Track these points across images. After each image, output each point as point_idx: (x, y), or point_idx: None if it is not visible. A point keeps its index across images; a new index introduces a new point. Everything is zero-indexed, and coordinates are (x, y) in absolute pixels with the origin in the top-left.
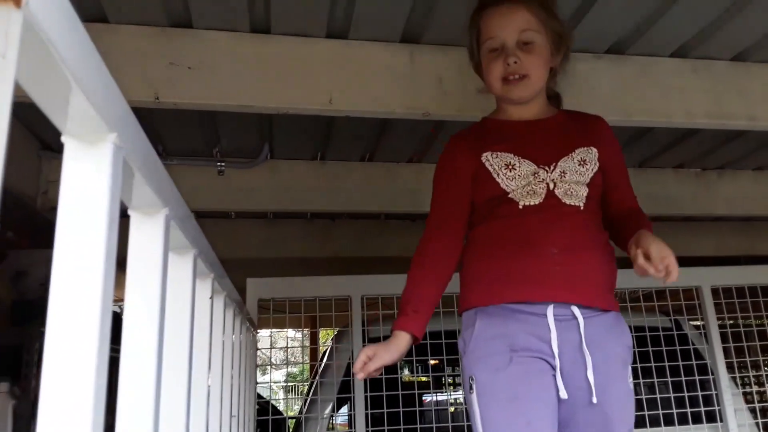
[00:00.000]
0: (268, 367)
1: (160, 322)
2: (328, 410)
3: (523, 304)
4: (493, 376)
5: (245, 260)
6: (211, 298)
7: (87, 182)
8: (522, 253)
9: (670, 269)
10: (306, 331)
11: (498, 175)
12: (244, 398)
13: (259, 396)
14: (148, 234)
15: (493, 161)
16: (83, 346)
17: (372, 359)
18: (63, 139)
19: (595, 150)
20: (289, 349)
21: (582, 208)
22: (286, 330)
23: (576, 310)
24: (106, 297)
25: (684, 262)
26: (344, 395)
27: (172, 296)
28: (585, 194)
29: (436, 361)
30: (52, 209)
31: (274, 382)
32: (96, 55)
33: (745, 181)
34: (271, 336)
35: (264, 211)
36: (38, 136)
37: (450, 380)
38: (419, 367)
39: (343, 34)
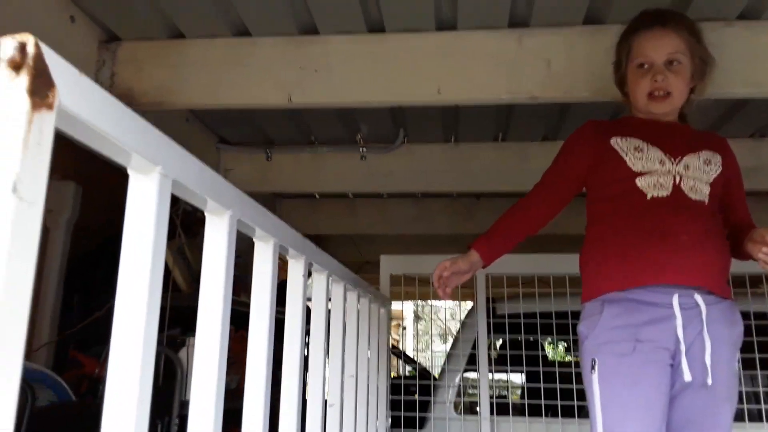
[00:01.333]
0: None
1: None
2: (457, 379)
3: (651, 290)
4: (617, 361)
5: (398, 236)
6: (304, 275)
7: (145, 199)
8: (652, 241)
9: None
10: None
11: (626, 154)
12: (370, 363)
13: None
14: (219, 230)
15: (622, 144)
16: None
17: (447, 269)
18: (129, 171)
19: (719, 156)
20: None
21: (706, 203)
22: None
23: (699, 298)
24: (155, 276)
25: None
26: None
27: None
28: (708, 192)
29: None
30: None
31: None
32: (129, 112)
33: None
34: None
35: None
36: (215, 131)
37: None
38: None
39: (451, 25)
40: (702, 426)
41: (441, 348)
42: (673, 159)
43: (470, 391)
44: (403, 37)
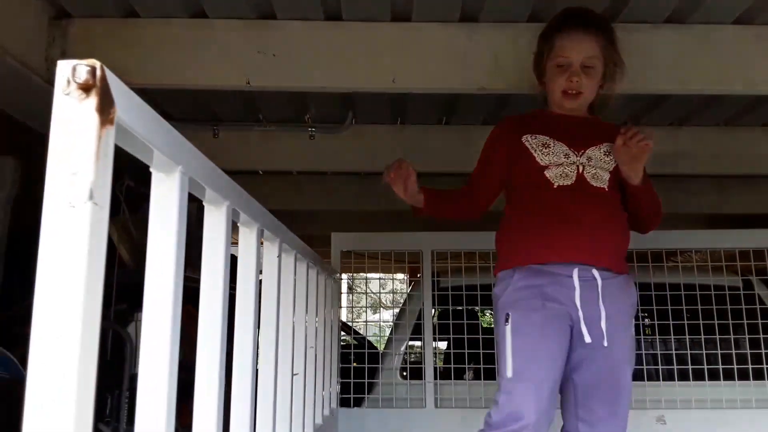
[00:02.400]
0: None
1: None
2: (402, 348)
3: (556, 265)
4: (528, 315)
5: (340, 212)
6: (279, 256)
7: (167, 194)
8: (557, 225)
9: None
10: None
11: (535, 151)
12: (319, 329)
13: (357, 333)
14: (216, 219)
15: (532, 141)
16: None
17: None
18: (151, 170)
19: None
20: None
21: (606, 189)
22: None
23: (596, 273)
24: (179, 257)
25: None
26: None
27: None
28: (608, 178)
29: None
30: None
31: (384, 321)
32: (165, 124)
33: None
34: (380, 281)
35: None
36: (161, 107)
37: None
38: None
39: (406, 16)
40: (605, 385)
41: (373, 318)
42: (576, 152)
43: (413, 358)
44: (359, 25)
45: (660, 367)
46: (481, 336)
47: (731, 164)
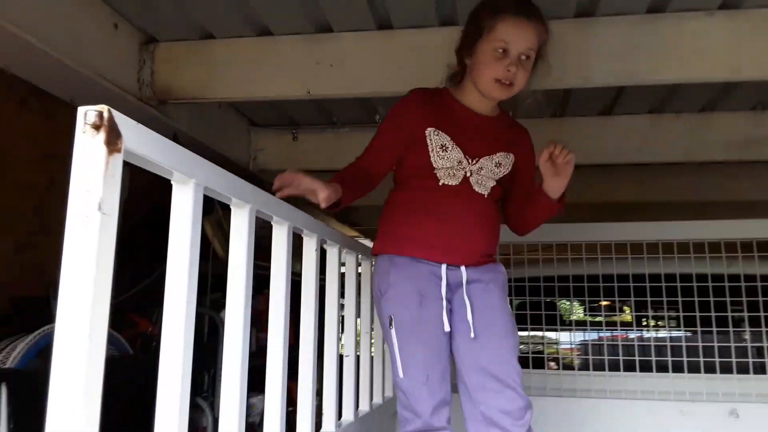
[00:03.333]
0: None
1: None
2: None
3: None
4: (409, 315)
5: None
6: (317, 250)
7: (185, 203)
8: (435, 222)
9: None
10: None
11: (432, 150)
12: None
13: None
14: (240, 219)
15: (434, 138)
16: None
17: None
18: (172, 181)
19: (512, 156)
20: None
21: (486, 196)
22: None
23: (462, 269)
24: (193, 257)
25: None
26: None
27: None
28: (491, 186)
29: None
30: (261, 171)
31: None
32: (175, 147)
33: None
34: None
35: None
36: (246, 115)
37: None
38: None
39: (453, 21)
40: (490, 364)
41: None
42: (470, 159)
43: None
44: (407, 32)
45: (734, 360)
46: None
47: None
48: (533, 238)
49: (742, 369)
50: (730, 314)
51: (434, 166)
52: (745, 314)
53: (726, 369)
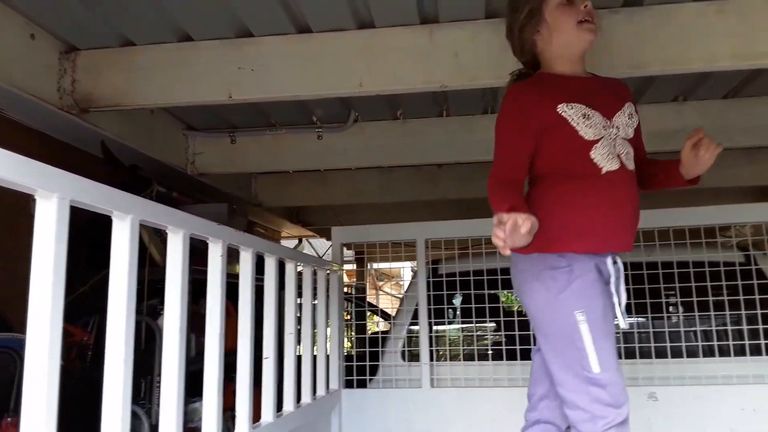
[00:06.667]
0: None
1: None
2: (403, 332)
3: (599, 256)
4: (599, 312)
5: (368, 205)
6: (223, 255)
7: (48, 219)
8: (612, 212)
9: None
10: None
11: (577, 124)
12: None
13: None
14: (121, 232)
15: (570, 112)
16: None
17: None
18: (36, 197)
19: (633, 105)
20: None
21: (634, 170)
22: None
23: (618, 260)
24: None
25: None
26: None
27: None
28: (633, 156)
29: None
30: (200, 174)
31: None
32: (26, 161)
33: None
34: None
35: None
36: (183, 120)
37: None
38: None
39: (370, 23)
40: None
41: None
42: (608, 120)
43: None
44: (327, 36)
45: (653, 345)
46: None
47: None
48: (448, 234)
49: (661, 353)
50: (648, 301)
51: (587, 139)
52: (663, 300)
53: (646, 354)
